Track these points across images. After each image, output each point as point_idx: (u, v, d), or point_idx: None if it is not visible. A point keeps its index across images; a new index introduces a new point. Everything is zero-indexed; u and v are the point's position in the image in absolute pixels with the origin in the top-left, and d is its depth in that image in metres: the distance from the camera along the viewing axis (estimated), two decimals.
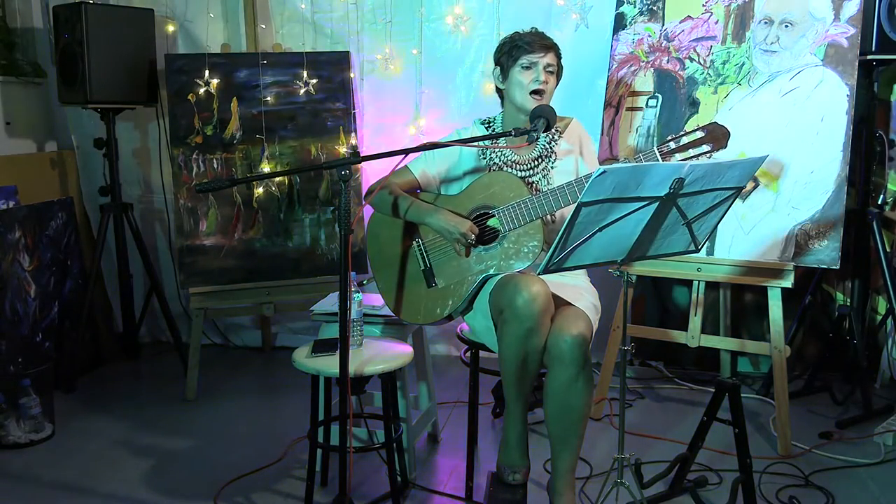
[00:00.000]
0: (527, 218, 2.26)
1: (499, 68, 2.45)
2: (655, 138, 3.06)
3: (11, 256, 3.34)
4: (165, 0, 3.80)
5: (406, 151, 2.26)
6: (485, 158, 2.45)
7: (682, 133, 2.22)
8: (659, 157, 2.21)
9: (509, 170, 2.41)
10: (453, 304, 2.36)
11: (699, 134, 2.20)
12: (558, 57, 2.43)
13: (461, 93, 3.72)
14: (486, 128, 2.52)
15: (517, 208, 2.26)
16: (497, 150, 2.43)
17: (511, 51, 2.40)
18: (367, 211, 3.09)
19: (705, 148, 2.20)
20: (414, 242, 2.44)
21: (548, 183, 2.39)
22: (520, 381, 2.19)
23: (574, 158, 2.45)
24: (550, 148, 2.43)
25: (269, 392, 3.50)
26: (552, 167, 2.42)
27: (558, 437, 2.18)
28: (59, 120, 4.01)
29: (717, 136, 2.19)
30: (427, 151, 2.46)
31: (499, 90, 2.49)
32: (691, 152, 2.20)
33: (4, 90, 3.72)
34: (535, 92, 2.36)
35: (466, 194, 2.40)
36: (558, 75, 2.45)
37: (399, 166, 2.41)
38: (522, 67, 2.37)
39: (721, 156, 2.25)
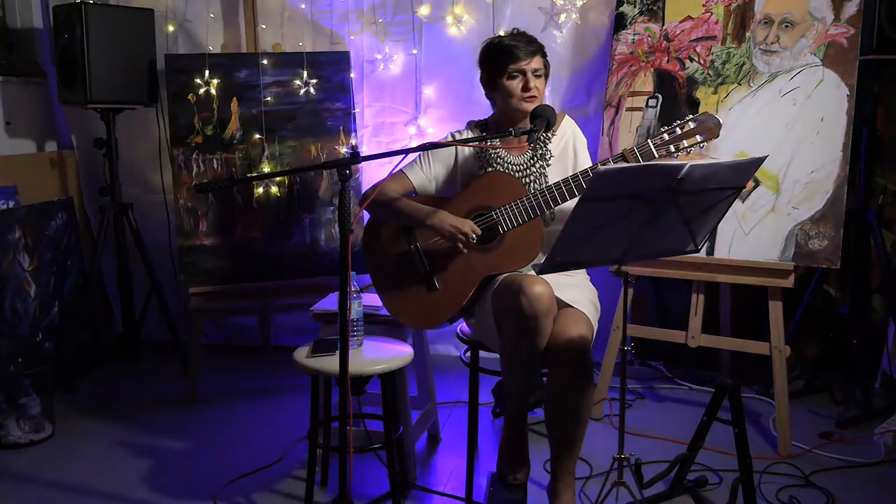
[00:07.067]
0: (525, 217, 2.26)
1: (486, 74, 2.41)
2: None
3: (11, 256, 3.34)
4: (165, 0, 3.80)
5: (406, 151, 2.25)
6: (480, 160, 2.44)
7: (675, 125, 2.23)
8: (653, 149, 2.22)
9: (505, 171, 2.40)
10: (455, 306, 2.35)
11: (691, 125, 2.22)
12: (544, 57, 2.38)
13: (461, 93, 3.72)
14: (480, 130, 2.49)
15: (515, 208, 2.27)
16: (492, 151, 2.42)
17: (497, 59, 2.35)
18: (367, 211, 3.08)
19: (698, 139, 2.21)
20: (411, 247, 2.42)
21: (544, 183, 2.38)
22: (521, 381, 2.19)
23: (569, 156, 2.43)
24: (544, 148, 2.41)
25: (269, 392, 3.50)
26: (547, 167, 2.40)
27: (558, 439, 2.18)
28: (59, 120, 4.00)
29: (708, 126, 2.20)
30: (422, 155, 2.45)
31: (488, 95, 2.46)
32: (684, 143, 2.21)
33: (4, 90, 3.71)
34: (527, 99, 2.33)
35: (464, 196, 2.39)
36: (546, 75, 2.41)
37: (394, 171, 2.40)
38: (510, 77, 2.33)
39: (718, 151, 2.26)
